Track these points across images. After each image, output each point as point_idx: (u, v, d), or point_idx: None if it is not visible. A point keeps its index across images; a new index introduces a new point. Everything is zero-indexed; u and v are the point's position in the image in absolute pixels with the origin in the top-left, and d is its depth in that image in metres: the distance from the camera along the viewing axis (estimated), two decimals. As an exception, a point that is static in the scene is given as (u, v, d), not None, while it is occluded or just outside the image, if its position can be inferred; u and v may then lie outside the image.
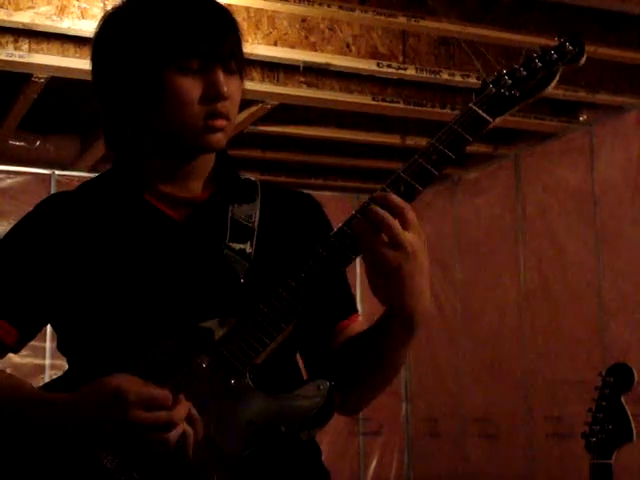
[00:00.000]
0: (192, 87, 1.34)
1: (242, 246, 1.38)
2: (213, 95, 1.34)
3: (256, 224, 1.41)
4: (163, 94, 1.34)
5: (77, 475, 1.26)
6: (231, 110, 1.38)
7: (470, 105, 1.31)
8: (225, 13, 1.40)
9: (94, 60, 1.42)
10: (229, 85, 1.36)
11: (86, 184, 1.48)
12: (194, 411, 1.23)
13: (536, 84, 1.33)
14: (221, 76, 1.35)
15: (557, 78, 1.34)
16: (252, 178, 1.50)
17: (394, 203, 1.22)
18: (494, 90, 1.32)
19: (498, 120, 1.32)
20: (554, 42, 1.35)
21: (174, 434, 1.20)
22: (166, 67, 1.33)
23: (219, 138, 1.38)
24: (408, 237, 1.21)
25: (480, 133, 1.31)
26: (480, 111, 1.30)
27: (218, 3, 1.41)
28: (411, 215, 1.23)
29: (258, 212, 1.43)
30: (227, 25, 1.38)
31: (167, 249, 1.37)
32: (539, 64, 1.33)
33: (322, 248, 1.26)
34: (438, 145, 1.28)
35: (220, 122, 1.36)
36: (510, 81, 1.32)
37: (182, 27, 1.33)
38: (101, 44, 1.41)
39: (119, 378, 1.22)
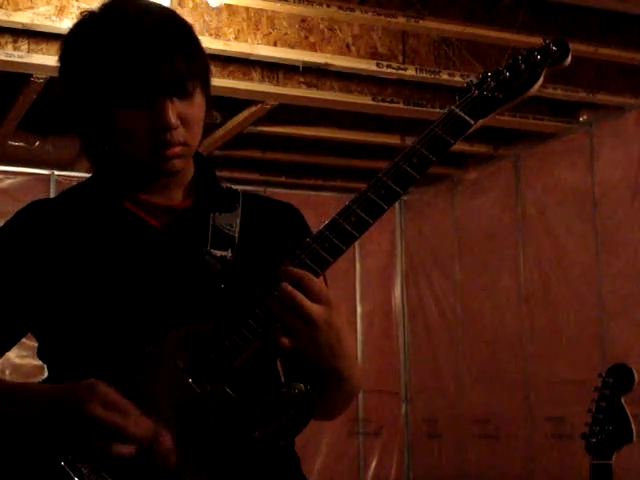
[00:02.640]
0: (137, 121, 1.33)
1: (223, 253, 1.39)
2: (159, 127, 1.33)
3: (237, 232, 1.42)
4: (113, 128, 1.35)
5: (50, 477, 1.25)
6: (187, 135, 1.36)
7: (452, 107, 1.32)
8: (170, 34, 1.34)
9: (60, 85, 1.44)
10: (182, 110, 1.34)
11: (67, 192, 1.48)
12: (159, 431, 1.24)
13: (519, 85, 1.33)
14: (167, 107, 1.32)
15: (541, 79, 1.34)
16: (233, 187, 1.51)
17: (295, 276, 1.24)
18: (476, 92, 1.32)
19: (480, 122, 1.32)
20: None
21: (124, 449, 1.20)
22: (113, 103, 1.33)
23: (174, 164, 1.37)
24: (315, 310, 1.23)
25: (462, 135, 1.31)
26: (462, 113, 1.31)
27: (166, 22, 1.36)
28: (314, 285, 1.24)
29: (239, 221, 1.43)
30: (169, 51, 1.32)
31: (148, 257, 1.37)
32: (523, 65, 1.33)
33: (301, 251, 1.27)
34: (419, 148, 1.29)
35: (172, 151, 1.35)
36: (493, 83, 1.32)
37: (120, 64, 1.31)
38: (60, 73, 1.43)
39: (94, 379, 1.24)
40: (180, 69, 1.32)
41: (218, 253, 1.38)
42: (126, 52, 1.31)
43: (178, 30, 1.37)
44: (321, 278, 1.27)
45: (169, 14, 1.39)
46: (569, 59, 1.35)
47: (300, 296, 1.23)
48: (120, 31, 1.33)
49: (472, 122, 1.31)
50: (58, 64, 1.42)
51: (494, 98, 1.32)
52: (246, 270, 1.37)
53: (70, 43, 1.41)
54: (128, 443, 1.20)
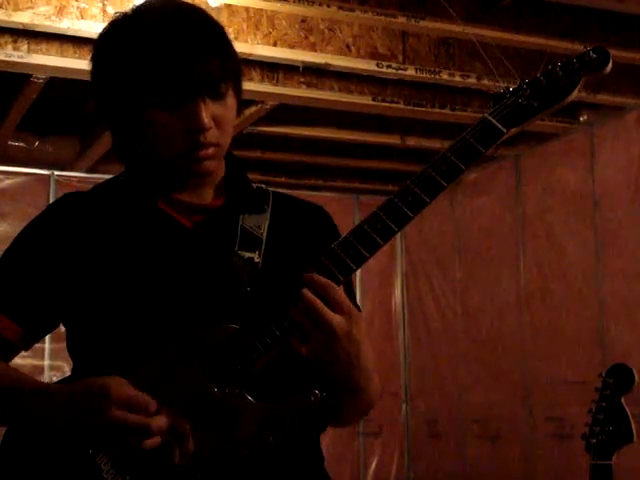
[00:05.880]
0: (171, 122, 1.33)
1: (250, 255, 1.38)
2: (193, 129, 1.32)
3: (265, 234, 1.41)
4: (146, 129, 1.35)
5: (71, 474, 1.26)
6: (220, 136, 1.36)
7: (485, 115, 1.30)
8: (204, 35, 1.35)
9: (92, 87, 1.43)
10: (215, 111, 1.34)
11: (100, 186, 1.49)
12: (183, 426, 1.24)
13: (556, 93, 1.31)
14: (201, 108, 1.32)
15: (579, 87, 1.31)
16: (264, 187, 1.50)
17: (319, 284, 1.23)
18: (511, 100, 1.30)
19: (514, 131, 1.30)
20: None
21: (149, 443, 1.20)
22: (146, 104, 1.33)
23: (207, 165, 1.37)
24: (335, 320, 1.23)
25: (493, 144, 1.30)
26: (494, 121, 1.29)
27: (198, 23, 1.37)
28: (337, 295, 1.24)
29: (268, 222, 1.43)
30: (203, 53, 1.33)
31: (176, 256, 1.38)
32: (560, 73, 1.31)
33: (325, 257, 1.26)
34: (450, 156, 1.28)
35: (205, 152, 1.35)
36: (529, 91, 1.30)
37: (154, 64, 1.31)
38: (92, 75, 1.41)
39: (108, 378, 1.23)
40: (214, 69, 1.33)
41: (246, 255, 1.38)
42: (160, 52, 1.31)
43: (211, 31, 1.37)
44: (341, 288, 1.27)
45: (202, 15, 1.39)
46: (609, 67, 1.31)
47: (321, 305, 1.23)
48: (154, 32, 1.33)
49: (504, 130, 1.29)
50: (90, 66, 1.41)
51: (529, 106, 1.30)
52: (272, 273, 1.37)
53: (103, 44, 1.40)
54: (152, 438, 1.21)
